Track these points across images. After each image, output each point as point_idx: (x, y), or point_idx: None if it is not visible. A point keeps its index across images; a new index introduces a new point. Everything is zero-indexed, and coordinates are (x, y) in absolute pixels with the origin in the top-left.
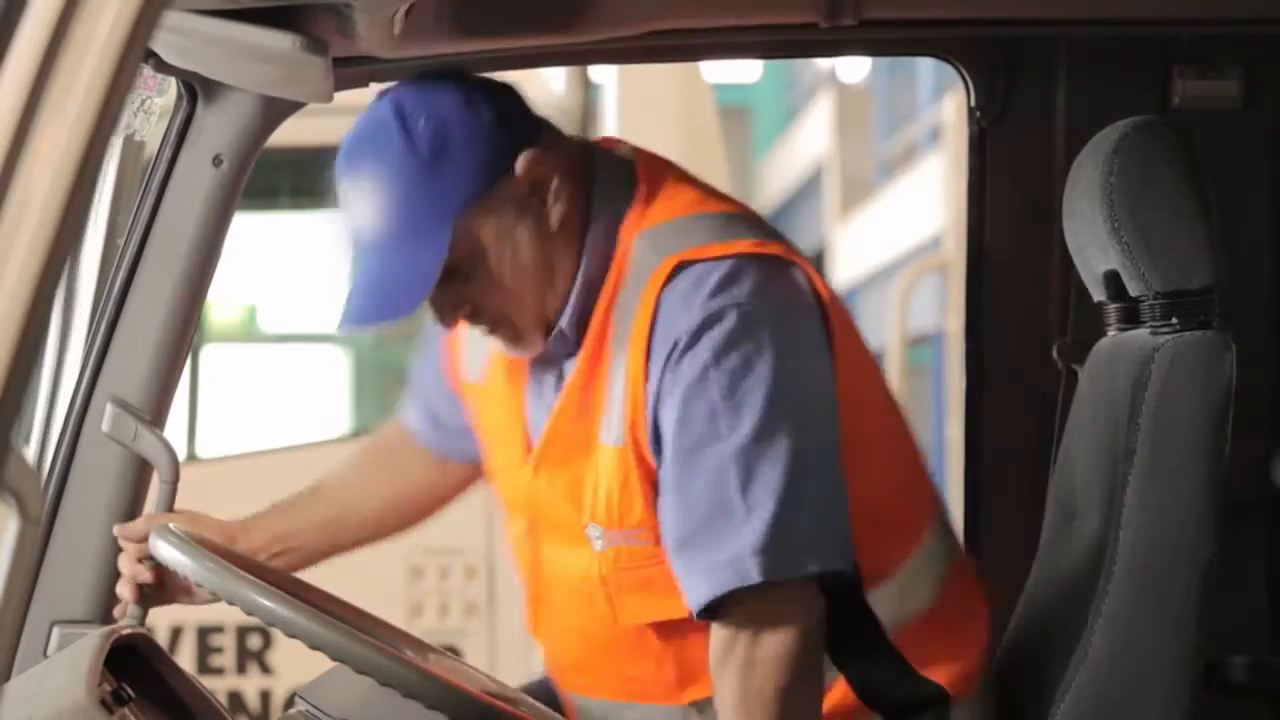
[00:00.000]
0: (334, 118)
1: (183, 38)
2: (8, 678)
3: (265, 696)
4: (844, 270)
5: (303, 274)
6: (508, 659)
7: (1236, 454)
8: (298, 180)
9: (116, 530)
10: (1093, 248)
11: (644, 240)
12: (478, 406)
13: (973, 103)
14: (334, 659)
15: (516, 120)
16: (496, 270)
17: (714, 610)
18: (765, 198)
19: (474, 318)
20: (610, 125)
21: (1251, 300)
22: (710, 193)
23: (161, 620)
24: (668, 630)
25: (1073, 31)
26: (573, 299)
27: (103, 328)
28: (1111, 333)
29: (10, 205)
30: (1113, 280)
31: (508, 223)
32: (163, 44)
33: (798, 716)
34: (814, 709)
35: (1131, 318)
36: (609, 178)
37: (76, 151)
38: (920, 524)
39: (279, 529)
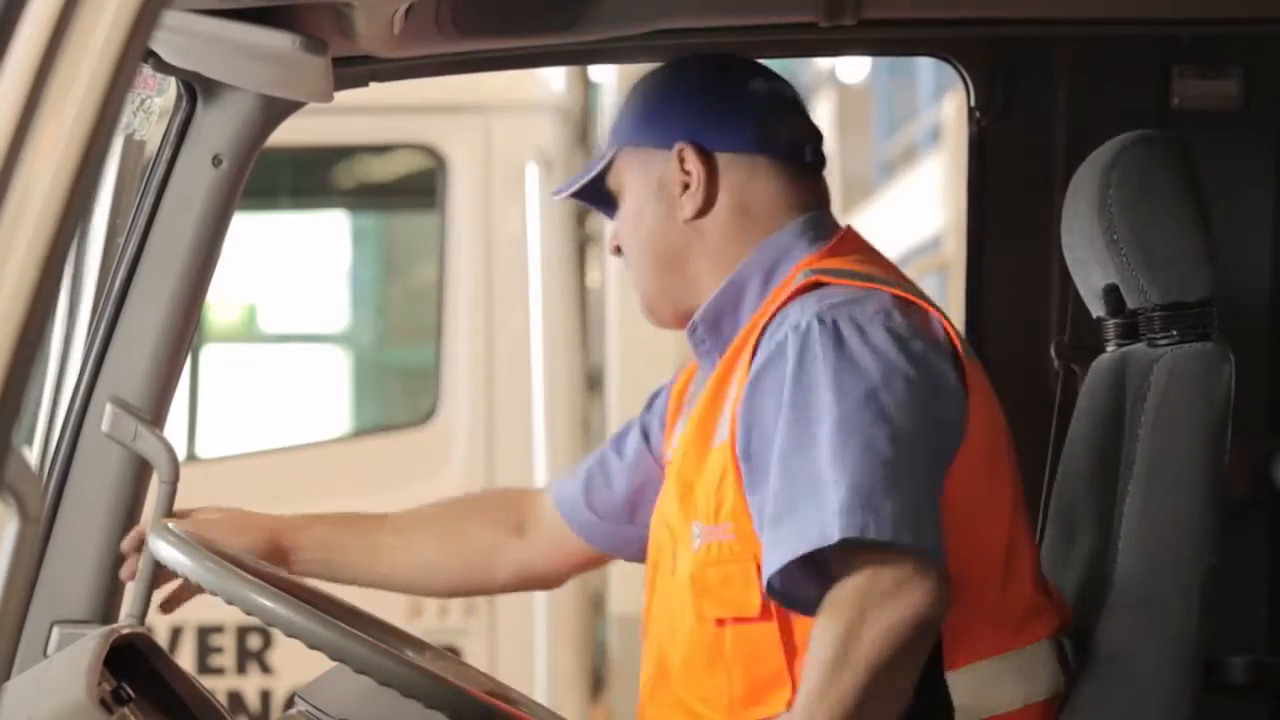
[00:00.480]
0: (334, 118)
1: (183, 38)
2: (8, 678)
3: (265, 696)
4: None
5: (303, 274)
6: (508, 659)
7: (1236, 454)
8: (298, 180)
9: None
10: (1091, 263)
11: (806, 272)
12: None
13: (973, 103)
14: (333, 659)
15: (716, 125)
16: (625, 221)
17: (790, 586)
18: None
19: (619, 252)
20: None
21: (1252, 300)
22: (889, 268)
23: (161, 620)
24: (742, 638)
25: (1073, 31)
26: (711, 299)
27: (103, 328)
28: (1110, 348)
29: (10, 204)
30: (1112, 294)
31: (644, 189)
32: (163, 44)
33: (877, 701)
34: (891, 704)
35: (1130, 332)
36: (810, 227)
37: (76, 151)
38: (1021, 631)
39: (325, 536)
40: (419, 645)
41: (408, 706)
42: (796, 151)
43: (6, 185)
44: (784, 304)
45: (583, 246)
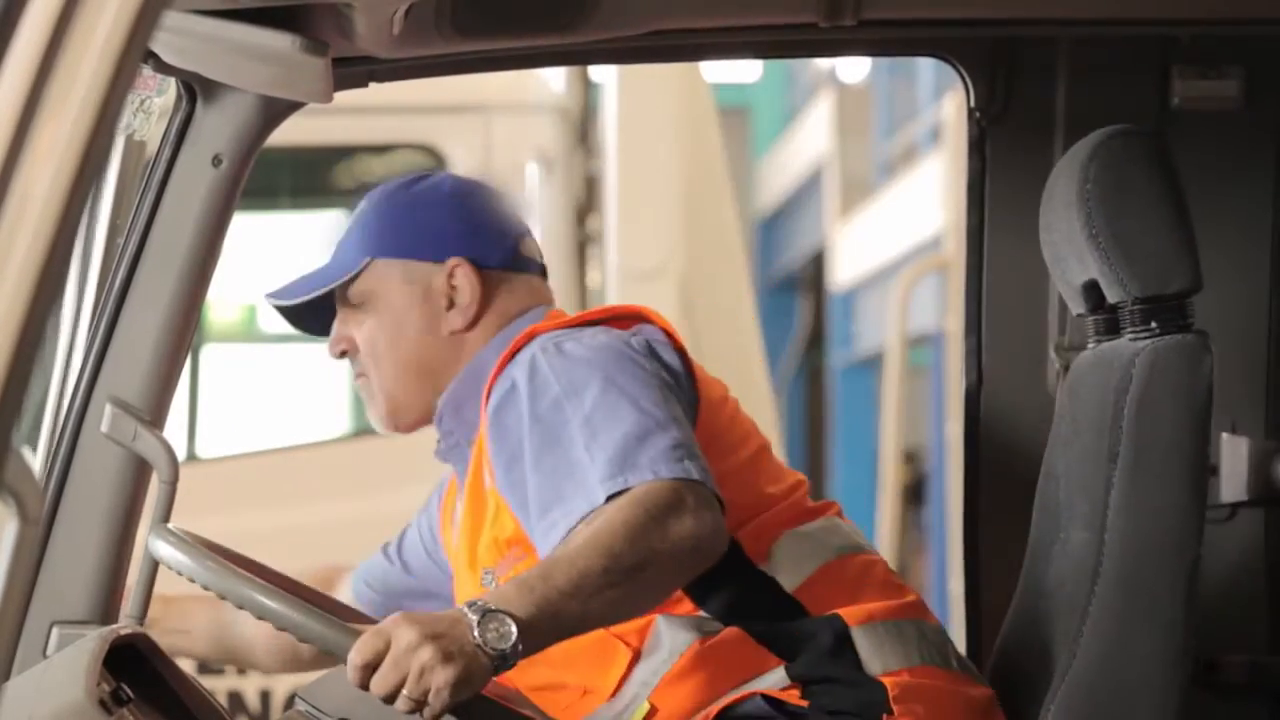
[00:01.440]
0: (334, 118)
1: (183, 38)
2: (8, 678)
3: (265, 696)
4: (844, 270)
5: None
6: None
7: (1236, 454)
8: (298, 180)
9: None
10: (1070, 259)
11: (535, 336)
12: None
13: (973, 103)
14: (326, 655)
15: (485, 242)
16: (375, 328)
17: None
18: (765, 198)
19: (353, 361)
20: (610, 125)
21: (1252, 299)
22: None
23: None
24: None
25: (1073, 31)
26: (450, 389)
27: (103, 328)
28: (1091, 345)
29: (10, 204)
30: (1091, 289)
31: (407, 300)
32: (163, 44)
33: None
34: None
35: (1112, 329)
36: (536, 316)
37: (76, 151)
38: (789, 517)
39: (185, 611)
40: None
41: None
42: (542, 265)
43: (6, 185)
44: (506, 358)
45: (583, 246)
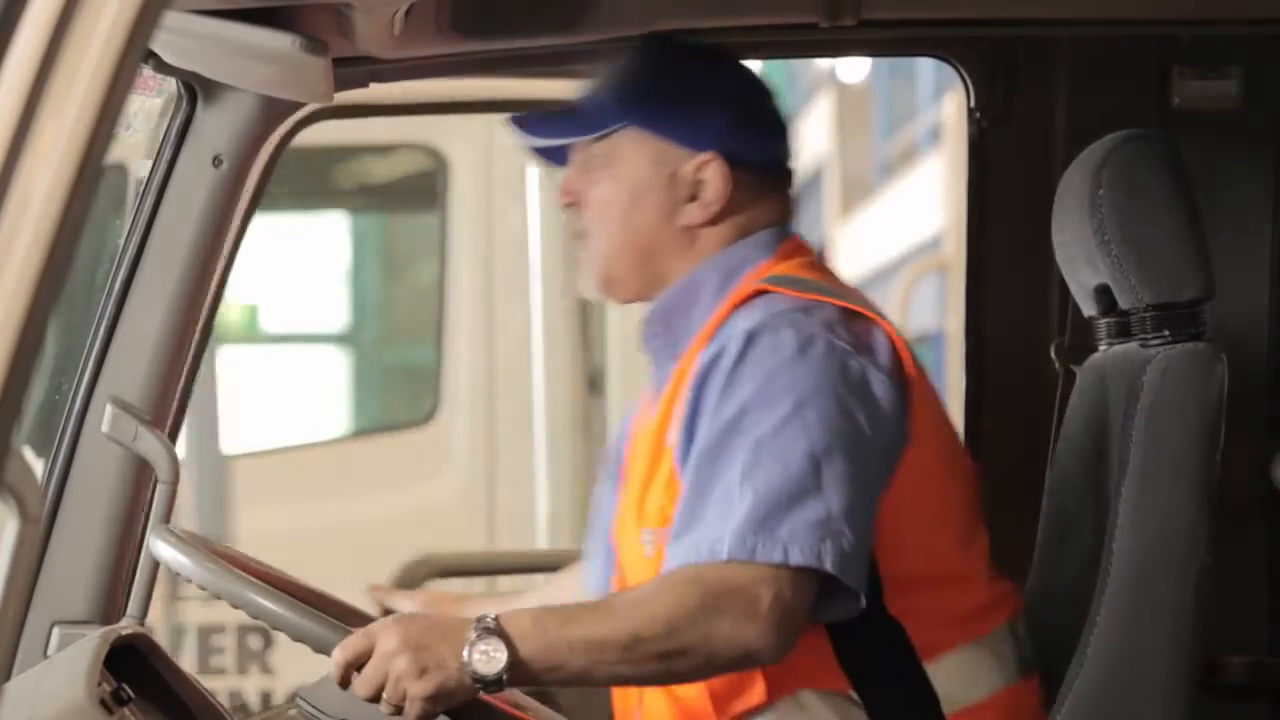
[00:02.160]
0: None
1: (183, 38)
2: (8, 678)
3: (265, 696)
4: (844, 270)
5: (303, 274)
6: None
7: (1236, 454)
8: (298, 180)
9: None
10: (1082, 261)
11: (759, 282)
12: None
13: (973, 103)
14: (326, 655)
15: (745, 140)
16: (609, 195)
17: None
18: None
19: (573, 214)
20: None
21: (1251, 299)
22: (836, 280)
23: (161, 620)
24: None
25: (1073, 31)
26: (664, 296)
27: (103, 328)
28: (1103, 347)
29: (10, 204)
30: (1103, 294)
31: (651, 178)
32: (163, 44)
33: (683, 653)
34: (692, 668)
35: (1122, 331)
36: (774, 238)
37: (76, 151)
38: (983, 619)
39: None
40: None
41: None
42: (791, 178)
43: (6, 185)
44: (730, 312)
45: None
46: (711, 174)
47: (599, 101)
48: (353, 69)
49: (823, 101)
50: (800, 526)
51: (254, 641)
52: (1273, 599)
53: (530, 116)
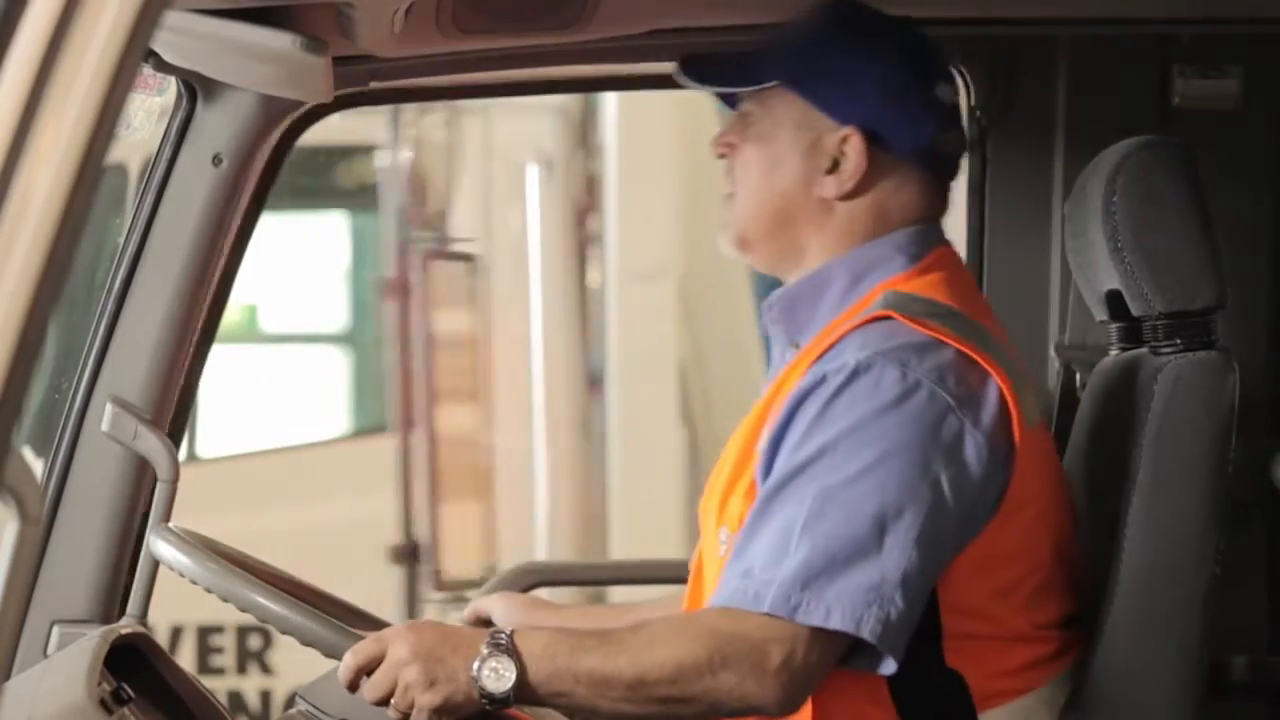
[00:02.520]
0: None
1: (183, 38)
2: (8, 678)
3: (265, 696)
4: None
5: (303, 274)
6: None
7: (1236, 454)
8: (298, 180)
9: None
10: (1094, 267)
11: (886, 297)
12: None
13: (973, 103)
14: (325, 655)
15: (900, 126)
16: (754, 152)
17: None
18: None
19: (727, 168)
20: (610, 125)
21: (1251, 299)
22: (972, 300)
23: (161, 620)
24: None
25: (1073, 31)
26: (792, 286)
27: (103, 328)
28: (1113, 352)
29: (11, 204)
30: (1115, 300)
31: (791, 141)
32: (163, 44)
33: (686, 695)
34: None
35: (1133, 337)
36: (913, 240)
37: (76, 151)
38: (1045, 670)
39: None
40: None
41: None
42: (951, 169)
43: (6, 185)
44: (847, 332)
45: (583, 246)
46: (851, 149)
47: (758, 54)
48: (353, 68)
49: None
50: (849, 589)
51: (253, 641)
52: (1273, 599)
53: (700, 57)
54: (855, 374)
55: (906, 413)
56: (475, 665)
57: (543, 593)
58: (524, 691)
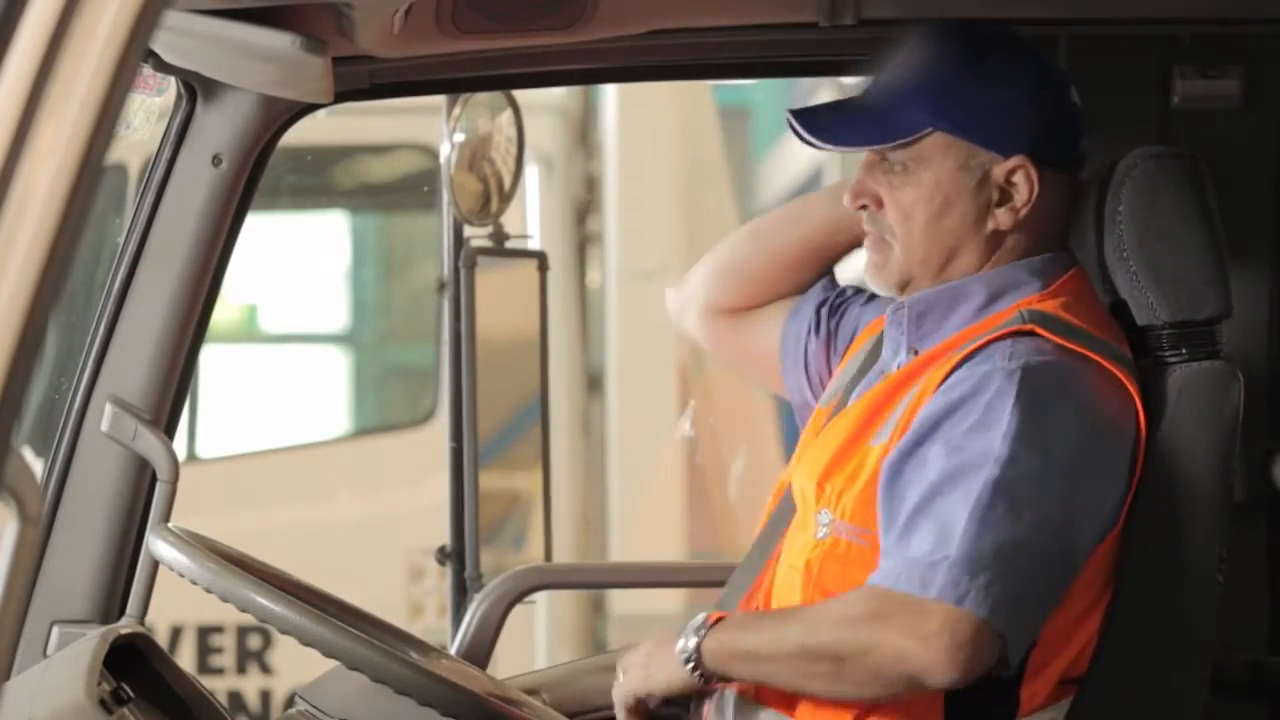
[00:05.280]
0: (334, 117)
1: (183, 38)
2: (8, 678)
3: (265, 696)
4: (843, 270)
5: (303, 274)
6: (507, 659)
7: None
8: (298, 180)
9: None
10: (1098, 276)
11: (1022, 314)
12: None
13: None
14: (325, 655)
15: (1053, 139)
16: (916, 200)
17: None
18: (765, 198)
19: (871, 217)
20: (610, 125)
21: (1252, 298)
22: (1103, 324)
23: (161, 620)
24: None
25: (1073, 31)
26: (933, 290)
27: (103, 328)
28: None
29: (10, 205)
30: (1118, 309)
31: (958, 182)
32: (163, 44)
33: (846, 679)
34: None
35: (1136, 348)
36: (1052, 265)
37: (76, 151)
38: (1067, 687)
39: None
40: (416, 644)
41: (406, 706)
42: (1084, 159)
43: (6, 185)
44: (995, 339)
45: (583, 246)
46: (1021, 178)
47: (898, 102)
48: (353, 69)
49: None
50: (1009, 591)
51: (253, 641)
52: (1273, 598)
53: (817, 113)
54: (1010, 379)
55: (1061, 429)
56: (676, 649)
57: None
58: (707, 666)
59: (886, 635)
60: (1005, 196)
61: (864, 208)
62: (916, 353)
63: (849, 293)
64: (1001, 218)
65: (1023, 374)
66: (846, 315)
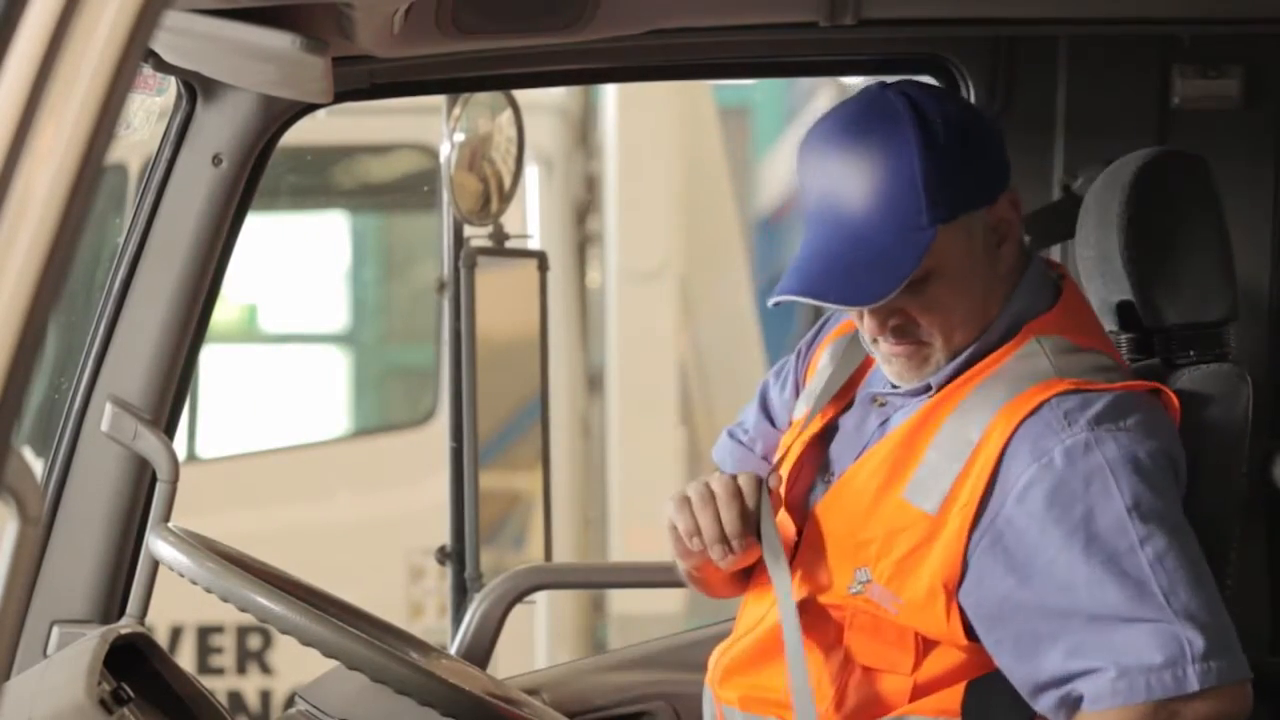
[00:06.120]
0: (334, 117)
1: (183, 38)
2: (8, 678)
3: (265, 696)
4: None
5: (303, 274)
6: (507, 659)
7: None
8: (298, 180)
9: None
10: (1106, 278)
11: (1040, 346)
12: (793, 438)
13: (973, 102)
14: (325, 655)
15: (1001, 158)
16: (946, 297)
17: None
18: (765, 198)
19: (900, 331)
20: (610, 125)
21: (1252, 299)
22: (1105, 340)
23: (161, 620)
24: (872, 679)
25: (1073, 31)
26: (958, 363)
27: (103, 328)
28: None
29: (10, 205)
30: (1125, 311)
31: (972, 253)
32: (163, 44)
33: None
34: None
35: (1143, 348)
36: (1038, 275)
37: (76, 151)
38: None
39: None
40: (416, 644)
41: (406, 706)
42: (1008, 168)
43: (7, 185)
44: (1040, 402)
45: (583, 246)
46: (1006, 209)
47: (892, 233)
48: (353, 68)
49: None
50: (1231, 639)
51: (253, 641)
52: (1273, 599)
53: (811, 278)
54: (1089, 455)
55: (1152, 478)
56: None
57: (543, 595)
58: None
59: None
60: (1003, 234)
61: (898, 328)
62: (930, 387)
63: (783, 366)
64: (1006, 255)
65: (1097, 447)
66: (790, 373)
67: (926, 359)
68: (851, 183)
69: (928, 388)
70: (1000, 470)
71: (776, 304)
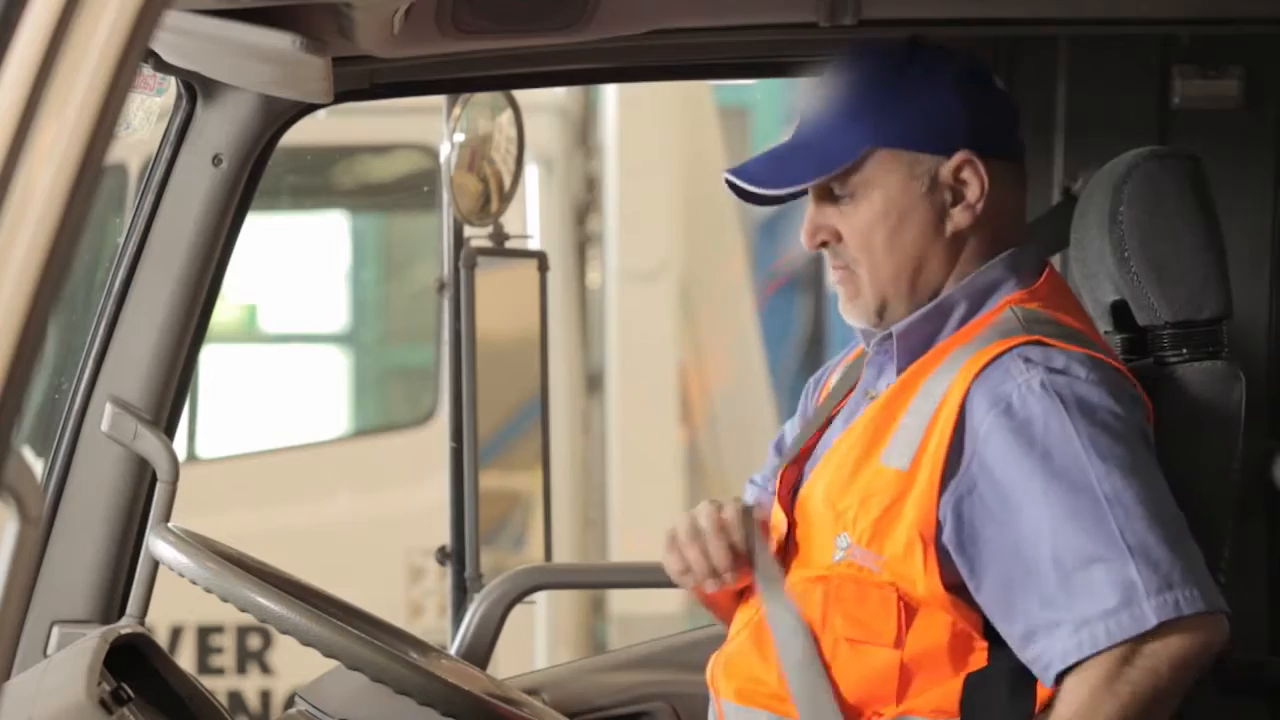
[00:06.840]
0: (334, 117)
1: (183, 37)
2: (8, 678)
3: (265, 696)
4: None
5: (303, 274)
6: (507, 659)
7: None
8: (298, 180)
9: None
10: (1100, 277)
11: (1014, 313)
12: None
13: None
14: (325, 655)
15: (990, 129)
16: (872, 221)
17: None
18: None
19: (833, 251)
20: (610, 125)
21: (1251, 299)
22: (1084, 317)
23: (161, 620)
24: (860, 657)
25: (1073, 31)
26: (918, 313)
27: (103, 328)
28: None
29: (11, 204)
30: (1119, 310)
31: (909, 193)
32: (163, 44)
33: None
34: None
35: (1138, 348)
36: (1024, 259)
37: (77, 151)
38: None
39: None
40: (416, 644)
41: (406, 706)
42: (1024, 145)
43: (6, 185)
44: (1001, 351)
45: (583, 246)
46: (970, 173)
47: (831, 132)
48: (353, 69)
49: None
50: (1195, 574)
51: (253, 641)
52: (1273, 599)
53: (751, 165)
54: (1049, 398)
55: (1118, 420)
56: None
57: (543, 595)
58: None
59: (1152, 686)
60: (958, 196)
61: (823, 245)
62: (901, 368)
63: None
64: (959, 217)
65: (1059, 388)
66: (802, 410)
67: (857, 291)
68: (819, 92)
69: (889, 336)
70: (964, 417)
71: (730, 187)
